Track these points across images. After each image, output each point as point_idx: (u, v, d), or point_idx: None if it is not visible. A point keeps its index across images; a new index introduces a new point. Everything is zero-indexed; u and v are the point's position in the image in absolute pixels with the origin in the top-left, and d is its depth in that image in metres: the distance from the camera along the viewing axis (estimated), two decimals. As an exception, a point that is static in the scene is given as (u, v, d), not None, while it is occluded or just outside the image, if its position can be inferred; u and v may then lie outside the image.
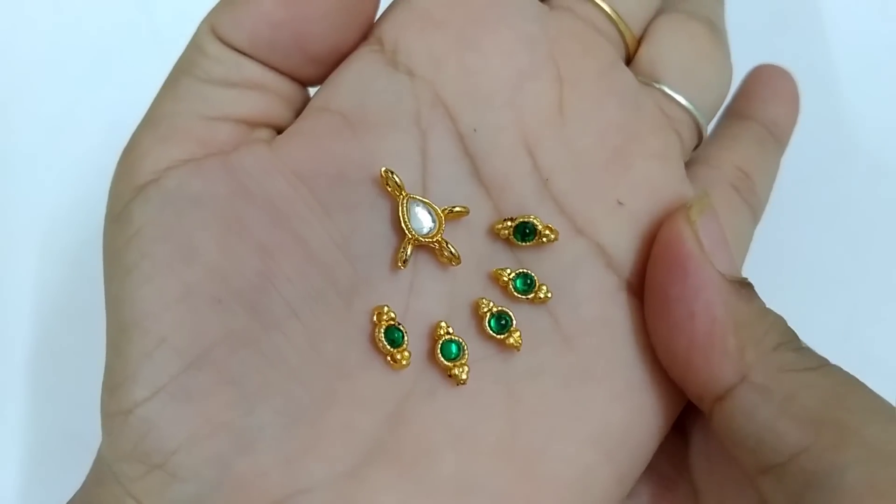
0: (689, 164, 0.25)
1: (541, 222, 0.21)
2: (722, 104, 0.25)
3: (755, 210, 0.25)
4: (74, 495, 0.20)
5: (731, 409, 0.19)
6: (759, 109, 0.27)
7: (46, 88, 0.33)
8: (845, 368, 0.20)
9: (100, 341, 0.19)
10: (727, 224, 0.23)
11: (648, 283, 0.21)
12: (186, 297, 0.18)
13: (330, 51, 0.21)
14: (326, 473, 0.19)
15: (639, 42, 0.25)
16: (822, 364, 0.19)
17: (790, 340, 0.20)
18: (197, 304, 0.18)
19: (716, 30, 0.25)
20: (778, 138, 0.27)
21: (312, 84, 0.22)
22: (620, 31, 0.24)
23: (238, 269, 0.19)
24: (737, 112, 0.27)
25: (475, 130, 0.21)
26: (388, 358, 0.20)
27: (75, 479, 0.20)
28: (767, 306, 0.20)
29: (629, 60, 0.25)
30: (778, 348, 0.19)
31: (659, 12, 0.25)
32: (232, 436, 0.18)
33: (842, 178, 0.35)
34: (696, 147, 0.25)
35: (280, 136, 0.21)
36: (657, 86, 0.24)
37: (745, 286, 0.20)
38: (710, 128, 0.26)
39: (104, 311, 0.19)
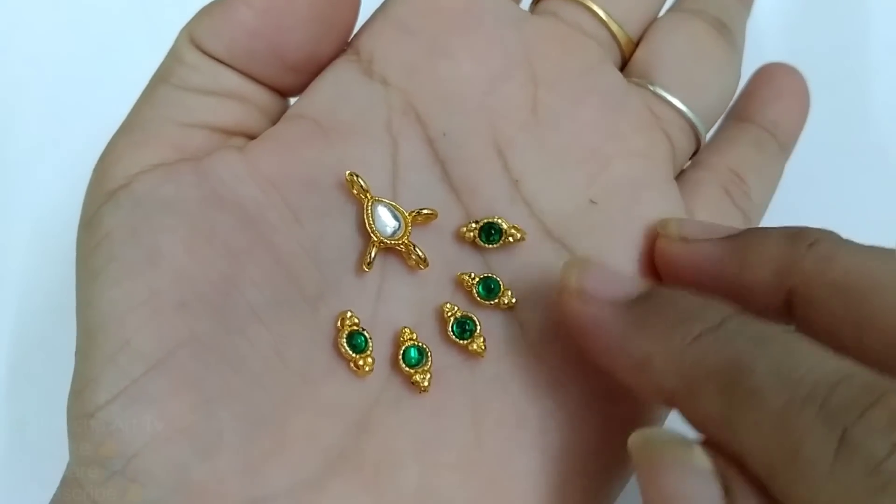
0: (685, 169, 0.24)
1: (506, 222, 0.20)
2: (726, 106, 0.24)
3: (748, 215, 0.24)
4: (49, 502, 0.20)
5: None
6: (759, 111, 0.25)
7: (43, 86, 0.34)
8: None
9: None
10: None
11: None
12: (151, 301, 0.18)
13: (307, 60, 0.21)
14: (286, 482, 0.18)
15: (637, 44, 0.24)
16: None
17: None
18: (161, 308, 0.18)
19: (723, 29, 0.24)
20: (780, 140, 0.25)
21: (291, 94, 0.22)
22: (613, 33, 0.23)
23: (204, 272, 0.19)
24: (736, 114, 0.26)
25: (444, 135, 0.21)
26: (352, 364, 0.19)
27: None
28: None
29: (627, 63, 0.24)
30: None
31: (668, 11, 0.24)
32: (191, 441, 0.18)
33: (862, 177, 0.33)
34: (696, 152, 0.24)
35: (253, 141, 0.21)
36: (650, 87, 0.23)
37: None
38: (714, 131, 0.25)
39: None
